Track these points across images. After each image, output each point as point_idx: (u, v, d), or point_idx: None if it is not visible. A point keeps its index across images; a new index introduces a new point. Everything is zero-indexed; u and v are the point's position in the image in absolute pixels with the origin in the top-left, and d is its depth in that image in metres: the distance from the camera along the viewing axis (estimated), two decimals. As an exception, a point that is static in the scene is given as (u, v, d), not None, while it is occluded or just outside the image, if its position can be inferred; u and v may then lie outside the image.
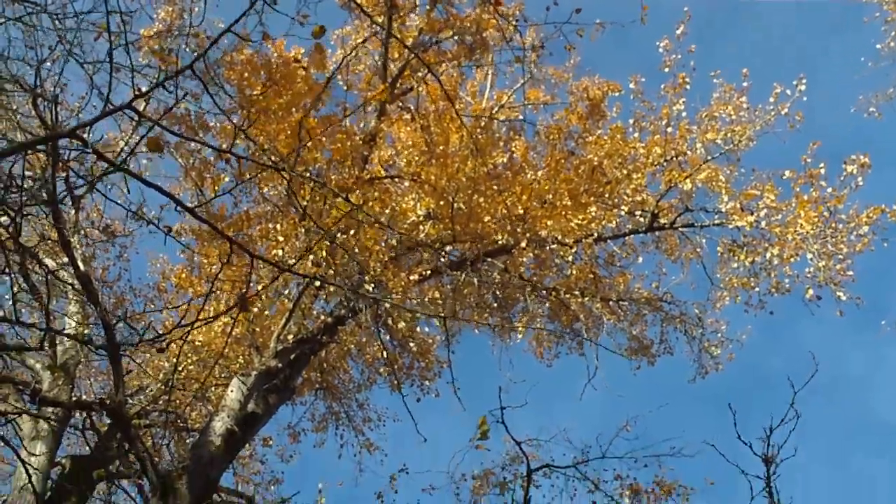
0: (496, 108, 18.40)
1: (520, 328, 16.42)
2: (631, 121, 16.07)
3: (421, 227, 14.83)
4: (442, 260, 14.35)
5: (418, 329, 14.61)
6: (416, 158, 15.43)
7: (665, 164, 15.23)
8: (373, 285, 12.73)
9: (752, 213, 14.24)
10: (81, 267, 10.06)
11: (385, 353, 14.96)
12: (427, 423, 14.63)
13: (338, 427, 17.81)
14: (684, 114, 15.27)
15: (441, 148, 14.79)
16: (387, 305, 12.80)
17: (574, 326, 17.48)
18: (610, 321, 16.12)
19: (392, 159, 16.75)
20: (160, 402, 12.82)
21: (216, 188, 14.28)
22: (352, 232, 12.16)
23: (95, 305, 10.16)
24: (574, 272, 15.36)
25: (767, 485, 7.08)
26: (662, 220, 15.51)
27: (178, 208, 6.39)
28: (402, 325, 13.54)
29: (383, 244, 13.30)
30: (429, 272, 13.88)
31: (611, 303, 16.27)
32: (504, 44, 16.24)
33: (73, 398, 12.84)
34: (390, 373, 15.08)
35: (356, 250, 12.58)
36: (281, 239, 12.79)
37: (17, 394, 12.45)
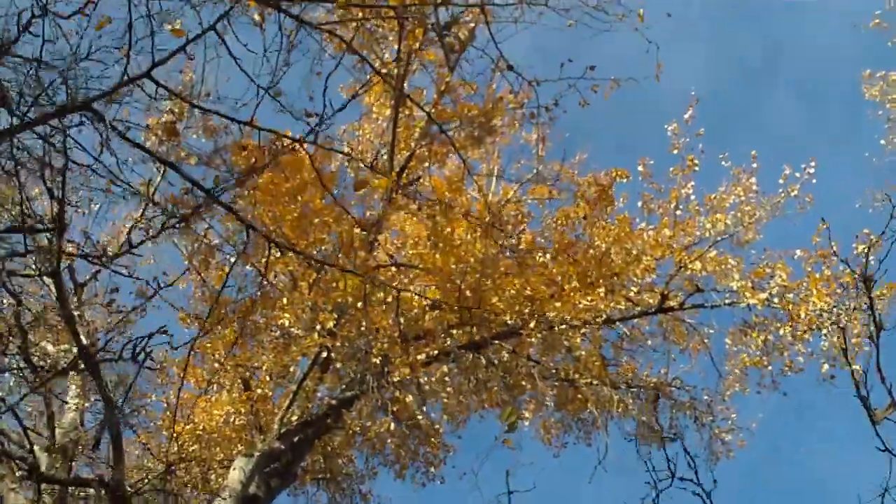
0: (503, 202, 18.39)
1: (526, 415, 16.14)
2: (639, 203, 16.04)
3: (426, 316, 14.70)
4: (448, 342, 14.17)
5: (424, 409, 14.37)
6: (422, 248, 15.39)
7: (674, 247, 15.11)
8: (379, 359, 12.55)
9: (763, 291, 14.08)
10: (84, 341, 9.95)
11: (391, 426, 14.65)
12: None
13: (340, 518, 17.40)
14: (693, 196, 15.23)
15: (447, 231, 14.75)
16: (395, 379, 12.56)
17: (582, 415, 17.19)
18: (619, 408, 15.79)
19: (398, 249, 16.71)
20: (159, 482, 12.52)
21: (222, 274, 14.19)
22: (359, 304, 12.03)
23: (97, 381, 10.00)
24: (583, 354, 15.13)
25: (870, 305, 6.73)
26: (671, 303, 15.32)
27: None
28: (409, 398, 13.30)
29: (391, 321, 13.14)
30: (436, 352, 13.69)
31: (620, 388, 15.99)
32: (512, 128, 16.40)
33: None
34: (397, 445, 14.78)
35: (363, 325, 12.43)
36: (287, 315, 12.65)
37: (14, 473, 12.14)
